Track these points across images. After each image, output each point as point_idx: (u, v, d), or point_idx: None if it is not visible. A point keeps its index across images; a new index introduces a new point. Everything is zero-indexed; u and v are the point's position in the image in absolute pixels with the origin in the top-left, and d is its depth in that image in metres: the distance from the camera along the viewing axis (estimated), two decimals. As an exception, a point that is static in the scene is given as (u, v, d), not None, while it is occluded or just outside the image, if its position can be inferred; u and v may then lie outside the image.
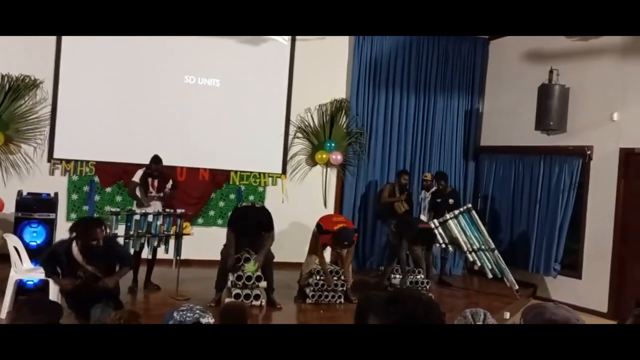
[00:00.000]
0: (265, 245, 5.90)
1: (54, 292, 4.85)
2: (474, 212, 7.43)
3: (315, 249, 6.34)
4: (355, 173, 8.42)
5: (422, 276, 6.80)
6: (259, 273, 5.87)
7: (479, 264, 7.26)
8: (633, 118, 6.83)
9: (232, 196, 8.01)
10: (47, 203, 6.05)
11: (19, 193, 6.08)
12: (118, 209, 6.18)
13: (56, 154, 7.27)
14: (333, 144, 8.17)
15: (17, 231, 5.78)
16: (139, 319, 3.05)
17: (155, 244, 6.17)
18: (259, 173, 8.09)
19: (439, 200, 7.80)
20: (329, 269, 6.34)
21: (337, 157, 8.16)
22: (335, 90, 8.36)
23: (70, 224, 7.07)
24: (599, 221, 7.15)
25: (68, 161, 7.30)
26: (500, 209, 8.39)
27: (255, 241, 5.97)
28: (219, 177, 7.94)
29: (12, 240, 5.47)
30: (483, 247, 7.29)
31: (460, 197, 8.37)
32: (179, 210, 6.26)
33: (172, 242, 6.24)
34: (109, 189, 7.48)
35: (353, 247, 6.60)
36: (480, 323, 2.50)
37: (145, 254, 6.21)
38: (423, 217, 7.91)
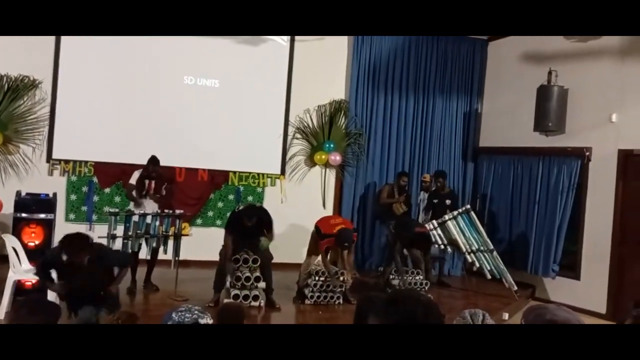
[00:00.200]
0: (268, 237, 5.96)
1: (52, 293, 4.84)
2: (472, 213, 7.43)
3: (314, 250, 6.33)
4: (354, 174, 8.43)
5: (421, 277, 6.80)
6: (257, 274, 5.87)
7: (477, 264, 7.26)
8: (631, 119, 6.84)
9: (230, 197, 8.00)
10: (45, 203, 6.04)
11: (18, 193, 6.07)
12: (117, 210, 6.19)
13: (55, 155, 7.26)
14: (332, 145, 8.18)
15: (16, 232, 5.77)
16: (137, 321, 3.04)
17: (154, 244, 6.17)
18: (258, 174, 8.09)
19: (435, 200, 7.80)
20: (333, 270, 6.34)
21: (336, 157, 8.16)
22: (334, 91, 8.37)
23: (69, 224, 7.17)
24: (597, 222, 7.16)
25: (67, 161, 7.30)
26: (499, 210, 8.40)
27: (255, 242, 5.97)
28: (218, 178, 7.93)
29: (10, 241, 5.46)
30: (482, 248, 7.29)
31: (459, 198, 8.38)
32: (177, 211, 6.26)
33: (170, 242, 6.24)
34: (107, 190, 7.47)
35: (353, 247, 6.60)
36: (479, 324, 2.49)
37: (144, 254, 6.21)
38: (421, 218, 7.92)
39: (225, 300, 5.55)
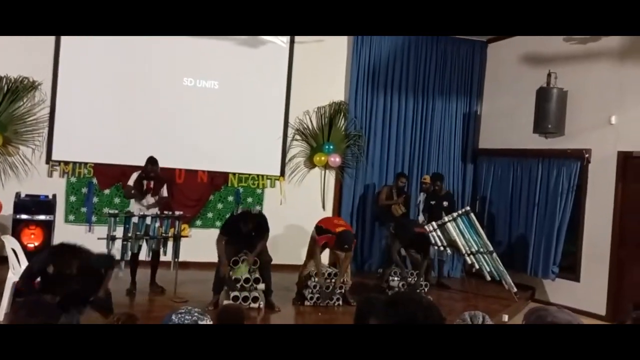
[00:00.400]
0: (256, 248, 5.90)
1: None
2: (472, 214, 7.44)
3: (314, 252, 6.32)
4: (353, 175, 8.43)
5: (421, 279, 6.79)
6: (257, 275, 5.86)
7: (477, 266, 7.27)
8: (631, 121, 6.85)
9: (230, 198, 8.00)
10: (45, 205, 6.04)
11: (17, 195, 6.07)
12: (116, 211, 6.19)
13: (54, 156, 7.25)
14: (331, 147, 8.18)
15: (15, 233, 5.77)
16: (136, 322, 3.03)
17: (154, 246, 6.16)
18: (258, 175, 8.09)
19: (433, 202, 7.80)
20: (327, 271, 6.34)
21: (335, 159, 8.16)
22: (333, 93, 8.37)
23: (68, 226, 7.18)
24: (597, 224, 7.16)
25: (66, 163, 7.29)
26: (499, 211, 8.40)
27: (253, 244, 5.96)
28: (218, 179, 7.92)
29: (10, 242, 5.45)
30: (481, 249, 7.29)
31: (457, 199, 8.39)
32: (177, 213, 6.26)
33: (170, 244, 6.23)
34: (107, 191, 7.47)
35: (351, 254, 6.57)
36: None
37: (144, 256, 6.20)
38: (420, 219, 7.91)
39: (225, 302, 5.55)
